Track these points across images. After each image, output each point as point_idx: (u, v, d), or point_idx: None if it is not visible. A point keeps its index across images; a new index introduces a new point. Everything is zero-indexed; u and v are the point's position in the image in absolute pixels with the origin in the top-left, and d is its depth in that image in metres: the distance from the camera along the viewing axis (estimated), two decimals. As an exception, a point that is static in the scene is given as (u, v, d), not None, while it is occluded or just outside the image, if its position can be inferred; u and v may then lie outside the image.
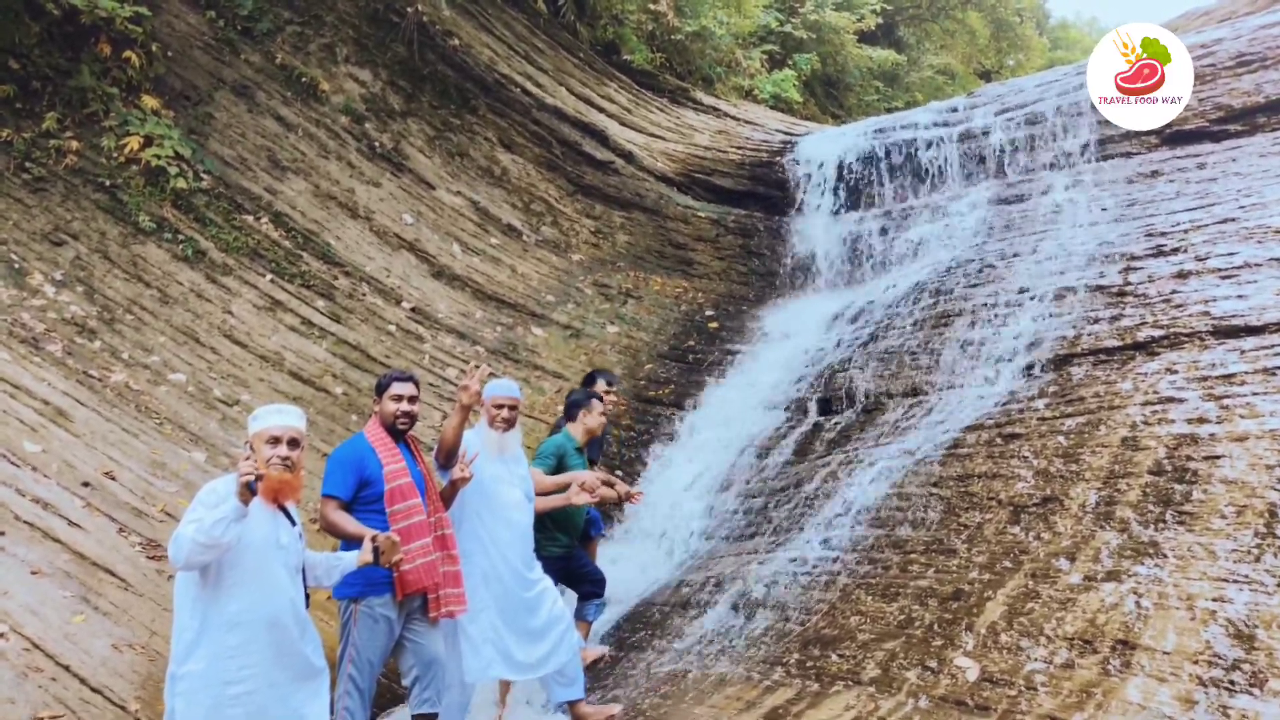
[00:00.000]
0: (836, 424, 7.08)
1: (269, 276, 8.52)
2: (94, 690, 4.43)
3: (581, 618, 5.48)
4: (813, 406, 7.50)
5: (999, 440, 5.38)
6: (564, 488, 5.11)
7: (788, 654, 4.46)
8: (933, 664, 3.87)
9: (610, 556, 6.76)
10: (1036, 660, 3.62)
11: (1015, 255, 7.73)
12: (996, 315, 6.95)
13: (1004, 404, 5.84)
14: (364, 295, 8.98)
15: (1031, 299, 6.91)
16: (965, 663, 3.77)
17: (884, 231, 9.92)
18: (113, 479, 5.93)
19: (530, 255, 10.61)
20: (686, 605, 5.63)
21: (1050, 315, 6.54)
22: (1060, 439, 5.02)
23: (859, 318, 8.40)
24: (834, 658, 4.25)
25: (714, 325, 9.85)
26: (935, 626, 4.12)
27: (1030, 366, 6.16)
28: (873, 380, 7.18)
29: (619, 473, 7.93)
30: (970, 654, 3.82)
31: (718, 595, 5.50)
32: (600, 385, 6.20)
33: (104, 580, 5.12)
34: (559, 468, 5.41)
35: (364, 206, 9.82)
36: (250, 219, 8.86)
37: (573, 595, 5.54)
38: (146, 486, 6.03)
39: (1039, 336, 6.36)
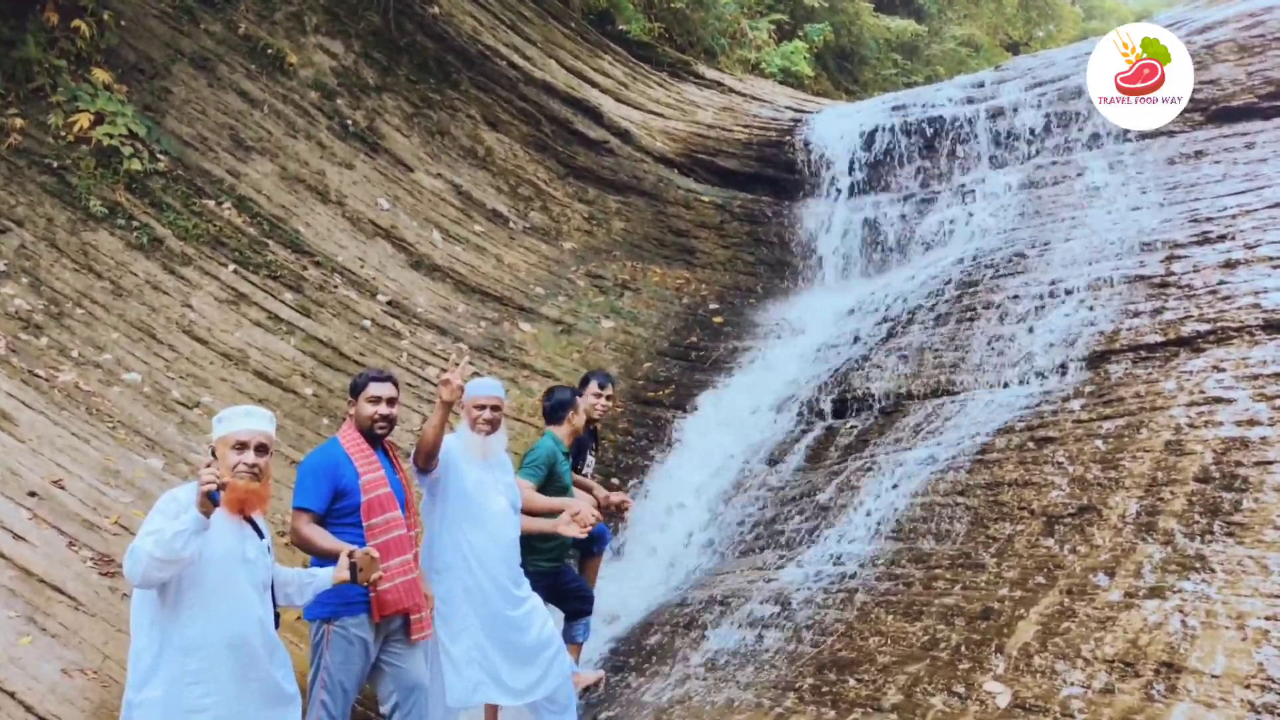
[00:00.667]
0: (853, 428, 7.08)
1: (232, 267, 8.50)
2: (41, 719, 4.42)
3: (571, 640, 5.48)
4: (827, 409, 7.50)
5: (1031, 445, 5.39)
6: (555, 511, 5.09)
7: (801, 678, 4.46)
8: (960, 689, 3.88)
9: (606, 574, 6.76)
10: (1073, 685, 3.63)
11: (1048, 244, 7.74)
12: (1028, 309, 6.97)
13: (1036, 405, 5.85)
14: (336, 287, 8.97)
15: (1066, 291, 6.92)
16: (996, 688, 3.78)
17: (904, 218, 9.94)
18: (62, 488, 5.91)
19: (517, 244, 10.61)
20: (690, 625, 5.63)
21: (1086, 308, 6.55)
22: (1098, 443, 5.03)
23: (877, 311, 8.41)
24: (852, 682, 4.25)
25: (719, 320, 9.85)
26: (963, 648, 4.13)
27: (1064, 364, 6.17)
28: (893, 380, 7.19)
29: (615, 480, 7.94)
30: (1001, 678, 3.83)
31: (724, 614, 5.51)
32: (592, 387, 6.19)
33: (52, 599, 5.11)
34: (550, 477, 5.41)
35: (336, 190, 9.80)
36: (211, 204, 8.84)
37: (560, 617, 5.54)
38: (99, 496, 6.01)
39: (1074, 332, 6.37)
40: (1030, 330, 6.76)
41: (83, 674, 4.77)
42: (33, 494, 5.73)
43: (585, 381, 6.33)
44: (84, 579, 5.36)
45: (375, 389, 4.50)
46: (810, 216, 10.66)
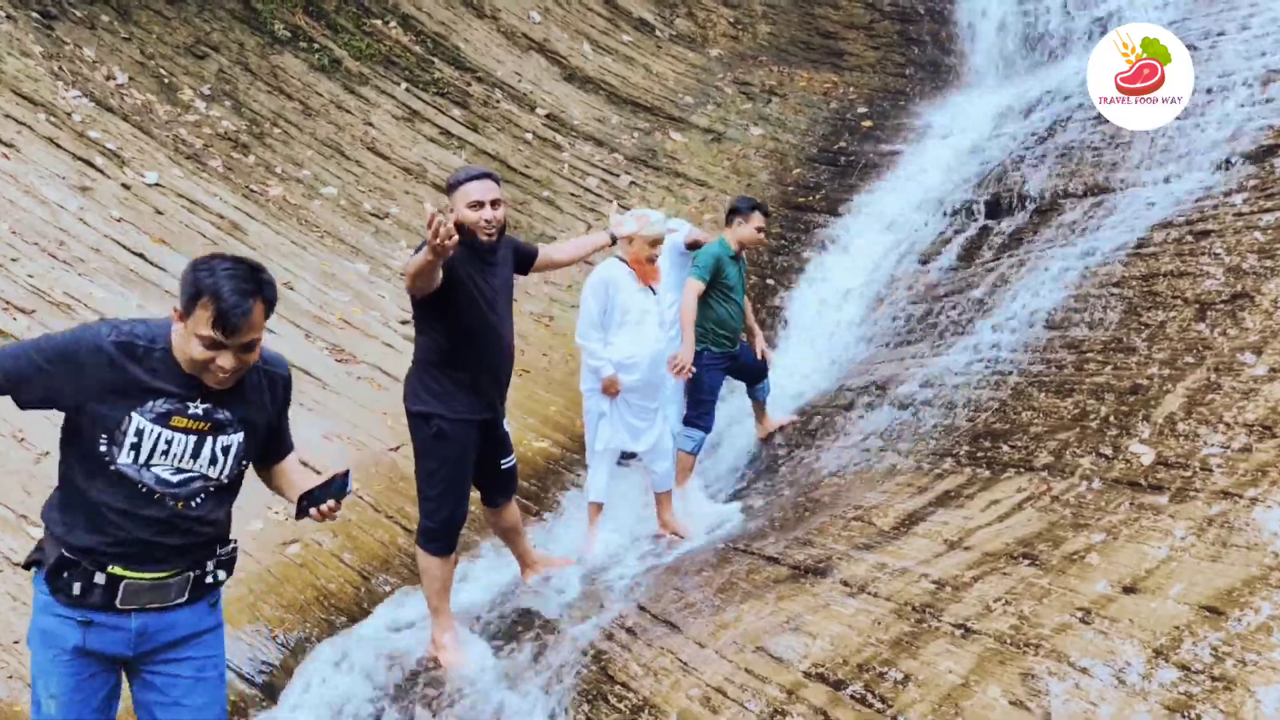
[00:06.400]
0: (1007, 227, 7.41)
1: (404, 85, 9.16)
2: (316, 473, 5.46)
3: (754, 398, 6.62)
4: (980, 209, 7.81)
5: (1189, 238, 5.68)
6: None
7: (957, 446, 5.10)
8: (1107, 451, 4.44)
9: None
10: (1213, 446, 4.13)
11: (1221, 34, 7.63)
12: (1195, 103, 7.00)
13: (1197, 200, 6.07)
14: (498, 102, 9.55)
15: (1237, 84, 6.92)
16: (1140, 449, 4.32)
17: (1065, 9, 9.76)
18: (291, 289, 6.88)
19: (665, 53, 10.89)
20: (850, 407, 6.31)
21: (1256, 102, 6.58)
22: (1256, 234, 5.29)
23: (1034, 110, 8.50)
24: (1005, 448, 4.86)
25: (868, 124, 10.05)
26: (1111, 419, 4.65)
27: (1228, 159, 6.31)
28: (1049, 179, 7.42)
29: (770, 282, 8.54)
30: (1146, 441, 4.36)
31: (881, 396, 6.15)
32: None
33: (303, 379, 6.13)
34: (716, 276, 6.03)
35: (490, 4, 10.23)
36: (379, 23, 9.43)
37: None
38: (322, 296, 6.98)
39: (1241, 126, 6.45)
40: (1197, 125, 6.84)
41: (339, 439, 5.80)
42: (269, 294, 6.70)
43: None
44: (324, 364, 6.36)
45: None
46: (965, 10, 10.53)
